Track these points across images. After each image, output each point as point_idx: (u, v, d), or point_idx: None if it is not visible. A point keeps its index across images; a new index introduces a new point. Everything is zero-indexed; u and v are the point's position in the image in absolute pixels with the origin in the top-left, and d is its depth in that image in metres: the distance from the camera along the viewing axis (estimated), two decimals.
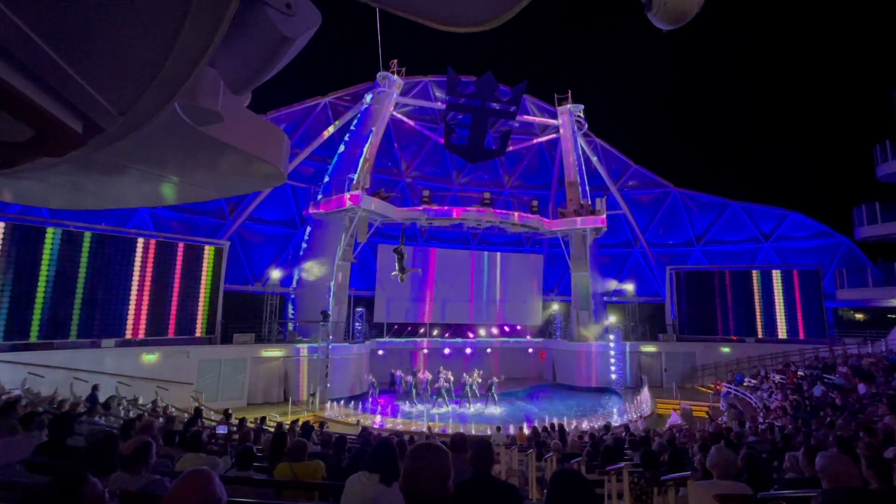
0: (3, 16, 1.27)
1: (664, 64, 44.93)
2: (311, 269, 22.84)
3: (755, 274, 25.06)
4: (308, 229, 24.12)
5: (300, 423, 11.35)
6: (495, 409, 18.56)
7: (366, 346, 23.27)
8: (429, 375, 20.58)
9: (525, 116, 27.06)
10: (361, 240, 21.99)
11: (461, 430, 14.28)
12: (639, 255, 29.83)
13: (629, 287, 28.03)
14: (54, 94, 1.69)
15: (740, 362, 23.59)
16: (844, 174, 34.42)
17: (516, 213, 24.64)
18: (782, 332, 23.88)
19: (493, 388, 19.08)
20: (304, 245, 24.15)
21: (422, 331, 27.35)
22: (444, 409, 18.56)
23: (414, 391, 19.69)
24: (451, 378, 20.24)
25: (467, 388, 19.48)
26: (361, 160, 23.14)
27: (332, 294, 21.82)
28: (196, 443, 4.41)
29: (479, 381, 20.10)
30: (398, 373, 21.53)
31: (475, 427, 16.07)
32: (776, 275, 24.54)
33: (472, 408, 19.06)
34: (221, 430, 9.71)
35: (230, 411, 11.81)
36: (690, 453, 6.43)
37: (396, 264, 18.88)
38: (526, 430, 13.49)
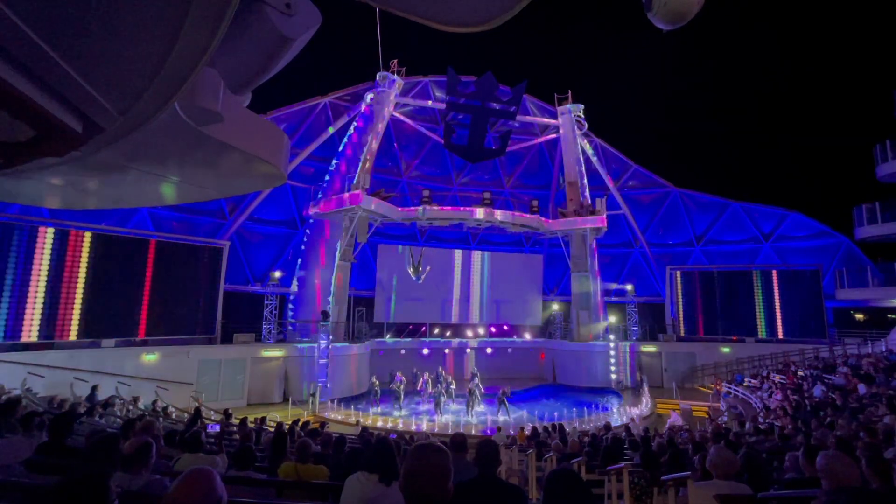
0: (2, 16, 1.27)
1: (664, 64, 44.94)
2: (311, 270, 22.85)
3: (755, 274, 25.05)
4: (307, 229, 24.14)
5: (300, 423, 11.36)
6: (509, 417, 18.19)
7: (366, 346, 23.27)
8: (429, 379, 19.93)
9: (525, 116, 27.06)
10: (361, 240, 21.99)
11: (461, 431, 14.27)
12: (639, 255, 29.83)
13: (629, 287, 28.03)
14: (54, 94, 1.69)
15: (740, 362, 23.59)
16: (844, 174, 34.42)
17: (516, 213, 24.64)
18: (782, 332, 23.87)
19: (504, 397, 18.76)
20: (303, 245, 24.17)
21: (423, 330, 27.37)
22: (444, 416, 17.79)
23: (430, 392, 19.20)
24: (453, 382, 19.91)
25: (471, 396, 18.58)
26: (361, 160, 23.14)
27: (332, 294, 21.83)
28: (196, 443, 4.41)
29: (480, 387, 19.71)
30: (424, 375, 20.06)
31: (475, 427, 16.06)
32: (776, 275, 24.53)
33: (478, 408, 18.61)
34: (214, 428, 9.71)
35: (230, 411, 11.82)
36: (690, 453, 6.43)
37: (411, 269, 22.16)
38: (526, 431, 13.47)
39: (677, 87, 47.70)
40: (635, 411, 18.49)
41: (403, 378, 19.39)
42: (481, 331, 28.66)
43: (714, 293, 25.62)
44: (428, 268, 23.89)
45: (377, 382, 19.74)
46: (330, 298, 21.74)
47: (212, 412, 14.68)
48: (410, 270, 23.56)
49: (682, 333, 26.15)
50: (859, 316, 26.11)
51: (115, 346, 16.51)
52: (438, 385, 18.84)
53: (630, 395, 21.85)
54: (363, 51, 39.88)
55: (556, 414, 17.76)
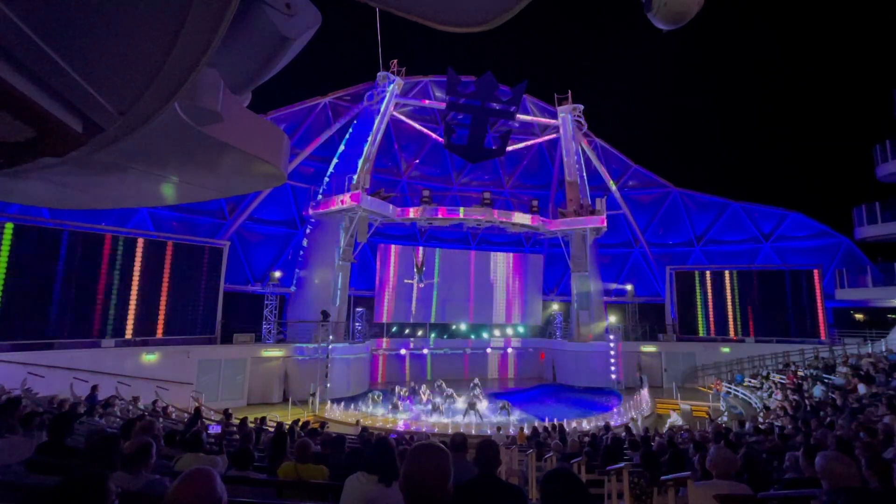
0: (3, 16, 1.27)
1: (664, 64, 44.94)
2: (311, 270, 22.85)
3: (755, 274, 25.07)
4: (308, 229, 24.14)
5: (300, 423, 11.37)
6: (510, 417, 17.94)
7: (366, 346, 23.27)
8: (427, 394, 19.43)
9: (525, 116, 27.06)
10: (361, 240, 22.00)
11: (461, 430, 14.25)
12: (639, 255, 29.83)
13: (629, 287, 28.02)
14: (54, 94, 1.69)
15: (740, 362, 23.60)
16: (844, 174, 34.46)
17: (516, 213, 24.64)
18: (782, 332, 23.88)
19: (508, 408, 18.52)
20: (303, 245, 24.17)
21: (420, 333, 27.34)
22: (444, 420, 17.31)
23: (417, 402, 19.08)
24: (452, 392, 19.57)
25: (472, 407, 17.76)
26: (361, 160, 23.14)
27: (331, 294, 21.83)
28: (196, 442, 4.41)
29: (480, 394, 19.45)
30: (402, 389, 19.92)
31: (475, 427, 16.06)
32: (776, 275, 24.54)
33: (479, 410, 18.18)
34: (215, 429, 9.71)
35: (230, 411, 11.82)
36: (690, 453, 6.43)
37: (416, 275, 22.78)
38: (526, 431, 13.47)
39: (677, 87, 47.73)
40: (635, 411, 18.49)
41: (405, 391, 19.30)
42: (482, 331, 28.65)
43: (714, 293, 25.61)
44: (436, 280, 24.10)
45: (375, 396, 19.54)
46: (330, 298, 21.73)
47: (212, 412, 14.67)
48: (415, 278, 23.60)
49: (682, 333, 26.15)
50: (859, 316, 26.12)
51: (115, 346, 16.51)
52: (438, 399, 18.65)
53: (630, 395, 21.84)
54: (363, 51, 39.95)
55: (556, 414, 17.72)
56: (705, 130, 46.29)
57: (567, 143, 27.16)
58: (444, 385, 20.25)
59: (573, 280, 26.20)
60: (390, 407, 18.28)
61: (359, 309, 24.40)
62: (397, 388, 19.37)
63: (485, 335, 28.69)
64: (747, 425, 11.40)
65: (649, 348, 25.80)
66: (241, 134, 2.82)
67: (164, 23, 1.55)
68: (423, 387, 20.18)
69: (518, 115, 24.68)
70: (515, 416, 17.78)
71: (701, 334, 25.62)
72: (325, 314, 20.66)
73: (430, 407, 18.23)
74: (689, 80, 48.28)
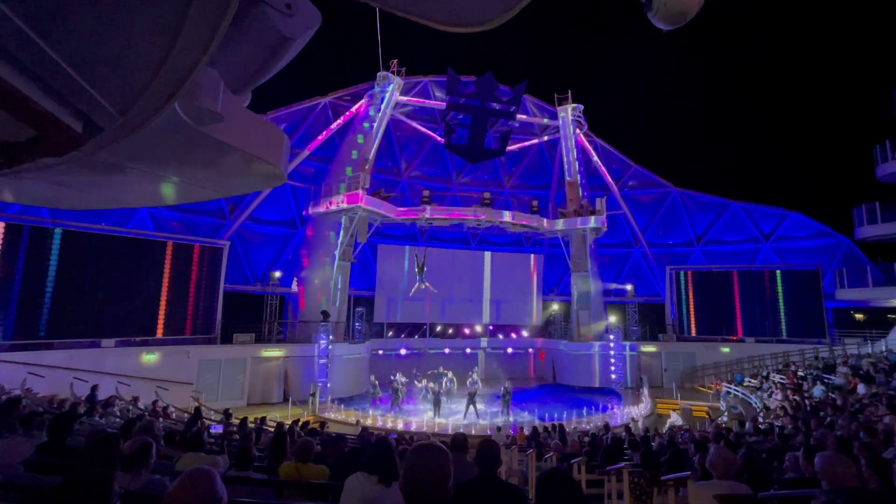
0: (2, 16, 1.27)
1: (664, 64, 44.92)
2: (311, 270, 22.85)
3: (755, 274, 25.07)
4: (308, 229, 24.13)
5: (300, 423, 11.37)
6: (509, 418, 17.55)
7: (366, 346, 23.26)
8: (427, 383, 19.22)
9: (525, 116, 27.06)
10: (361, 240, 21.99)
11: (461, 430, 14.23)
12: (639, 255, 29.82)
13: (629, 287, 28.01)
14: (54, 94, 1.69)
15: (740, 362, 23.60)
16: (844, 174, 34.43)
17: (516, 213, 24.64)
18: (782, 332, 23.88)
19: (508, 394, 18.39)
20: (303, 245, 24.15)
21: (419, 333, 27.31)
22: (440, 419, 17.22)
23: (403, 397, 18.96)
24: (454, 379, 19.72)
25: (472, 399, 17.78)
26: (361, 160, 23.13)
27: (331, 294, 21.83)
28: (197, 442, 4.41)
29: (478, 384, 19.45)
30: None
31: (475, 427, 16.05)
32: (776, 275, 24.54)
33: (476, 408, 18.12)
34: (217, 429, 9.71)
35: (230, 411, 11.82)
36: (690, 453, 6.43)
37: (417, 275, 23.02)
38: (526, 431, 13.46)
39: (677, 86, 47.70)
40: (635, 411, 18.49)
41: (404, 378, 19.31)
42: (480, 330, 28.65)
43: (714, 293, 25.62)
44: (436, 280, 24.27)
45: (377, 383, 19.64)
46: (337, 295, 21.72)
47: (212, 412, 14.67)
48: (416, 279, 23.64)
49: (682, 333, 26.15)
50: (859, 316, 26.10)
51: (115, 346, 16.51)
52: (438, 383, 18.67)
53: (630, 395, 21.85)
54: (363, 51, 39.95)
55: (556, 414, 17.72)
56: (705, 130, 46.28)
57: (567, 143, 27.16)
58: (441, 369, 20.11)
59: (573, 280, 26.19)
60: (391, 394, 18.32)
61: (359, 309, 24.40)
62: (398, 375, 19.30)
63: (484, 335, 28.66)
64: (747, 425, 11.40)
65: (649, 348, 25.80)
66: (241, 134, 2.82)
67: (164, 22, 1.55)
68: (425, 382, 20.11)
69: (518, 115, 24.66)
70: (525, 417, 17.65)
71: (701, 334, 25.61)
72: (325, 314, 20.65)
73: (429, 396, 18.18)
74: (690, 80, 48.28)
